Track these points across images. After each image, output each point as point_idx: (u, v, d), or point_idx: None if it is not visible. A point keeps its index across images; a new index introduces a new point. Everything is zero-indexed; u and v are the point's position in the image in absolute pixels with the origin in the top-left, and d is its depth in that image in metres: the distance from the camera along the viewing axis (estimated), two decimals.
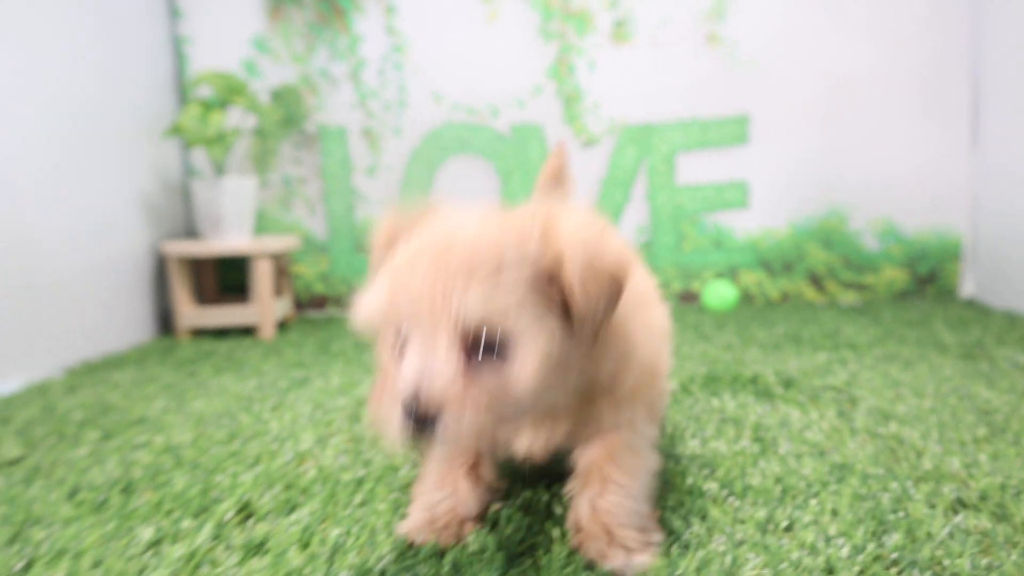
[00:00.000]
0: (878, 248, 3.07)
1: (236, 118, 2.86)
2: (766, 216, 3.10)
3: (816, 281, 3.11)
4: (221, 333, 2.84)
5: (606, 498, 0.98)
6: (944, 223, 3.04)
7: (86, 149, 2.46)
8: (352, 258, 3.20)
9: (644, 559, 0.94)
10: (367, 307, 0.85)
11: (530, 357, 0.79)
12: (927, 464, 1.25)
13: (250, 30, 3.07)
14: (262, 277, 2.71)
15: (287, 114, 2.98)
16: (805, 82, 3.01)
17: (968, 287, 3.06)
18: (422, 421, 0.77)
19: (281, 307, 2.89)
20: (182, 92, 3.08)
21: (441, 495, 1.06)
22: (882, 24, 2.96)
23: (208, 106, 2.67)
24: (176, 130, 2.64)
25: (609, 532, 0.95)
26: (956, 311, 2.73)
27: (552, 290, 0.80)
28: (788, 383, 1.81)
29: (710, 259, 3.13)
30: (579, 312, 0.80)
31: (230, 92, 2.69)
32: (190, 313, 2.76)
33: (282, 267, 3.00)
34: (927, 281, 3.07)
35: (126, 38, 2.73)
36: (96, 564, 1.01)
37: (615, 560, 0.93)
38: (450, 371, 0.77)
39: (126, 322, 2.66)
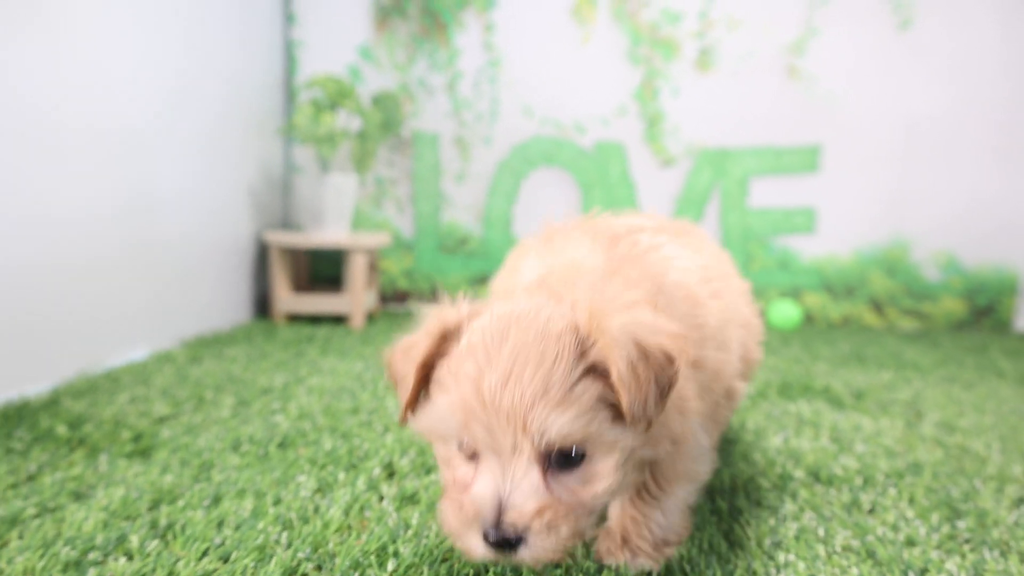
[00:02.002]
0: (938, 279, 3.20)
1: (341, 120, 3.07)
2: (832, 242, 3.25)
3: (876, 307, 3.26)
4: (313, 319, 3.04)
5: (636, 506, 1.01)
6: (1004, 259, 3.16)
7: (209, 143, 2.69)
8: (436, 257, 3.40)
9: (646, 562, 1.00)
10: (435, 416, 0.81)
11: (604, 463, 0.80)
12: (991, 469, 1.41)
13: (357, 38, 3.29)
14: (357, 270, 2.91)
15: (385, 119, 3.18)
16: (878, 117, 3.16)
17: (1023, 322, 3.18)
18: (505, 543, 0.76)
19: (369, 299, 3.09)
20: (290, 93, 3.31)
21: None
22: (957, 67, 3.10)
23: (319, 107, 2.88)
24: (290, 128, 2.86)
25: (626, 538, 1.01)
26: (1012, 343, 2.86)
27: (607, 388, 0.79)
28: (858, 395, 1.97)
29: (775, 280, 3.29)
30: (629, 410, 0.78)
31: (339, 95, 2.90)
32: (287, 299, 2.97)
33: (372, 262, 3.20)
34: (984, 314, 3.20)
35: (247, 40, 2.96)
36: (277, 502, 1.20)
37: (618, 559, 1.00)
38: (533, 492, 0.77)
39: (229, 303, 2.88)
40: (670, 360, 0.81)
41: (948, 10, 3.07)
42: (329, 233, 3.00)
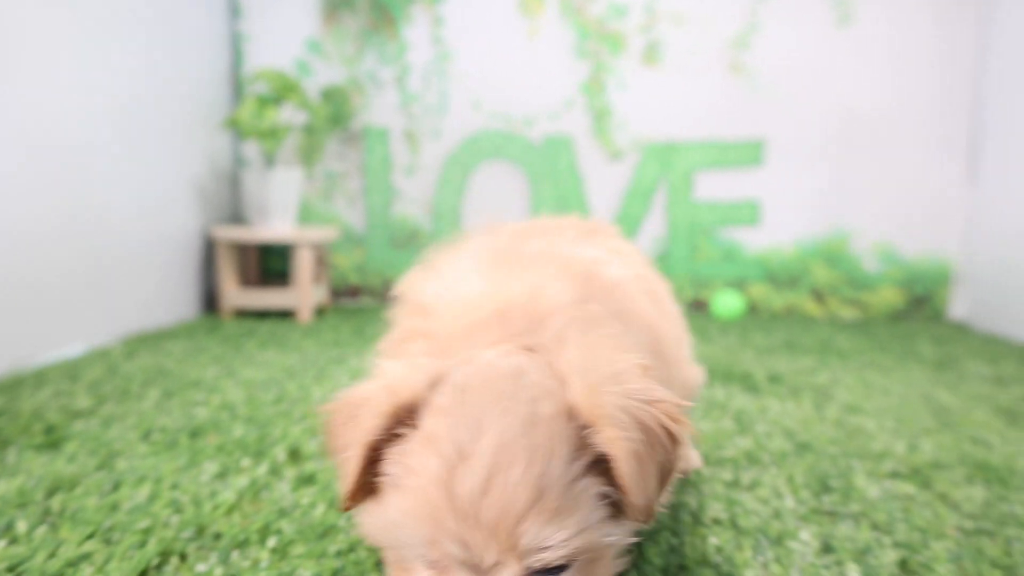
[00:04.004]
0: (877, 269, 3.27)
1: (288, 114, 3.10)
2: (775, 234, 3.31)
3: (818, 296, 3.32)
4: (262, 315, 3.08)
5: None
6: (940, 249, 3.24)
7: (150, 136, 2.70)
8: (387, 251, 3.44)
9: None
10: (390, 523, 0.66)
11: (595, 573, 0.68)
12: (875, 446, 1.47)
13: (305, 32, 3.32)
14: (303, 264, 2.95)
15: (334, 112, 3.21)
16: (819, 112, 3.22)
17: (960, 310, 3.24)
18: None
19: (318, 294, 3.12)
20: (237, 86, 3.33)
21: None
22: (894, 61, 3.16)
23: (264, 101, 2.91)
24: (233, 122, 2.89)
25: None
26: (942, 330, 2.93)
27: (604, 483, 0.66)
28: (774, 379, 2.02)
29: (720, 271, 3.34)
30: (635, 507, 0.65)
31: (284, 89, 2.93)
32: (234, 294, 3.00)
33: (321, 256, 3.24)
34: (921, 303, 3.27)
35: (190, 33, 2.98)
36: (174, 487, 1.24)
37: None
38: None
39: (174, 299, 2.90)
40: (675, 442, 0.69)
41: (886, 5, 3.13)
42: (274, 227, 3.03)
